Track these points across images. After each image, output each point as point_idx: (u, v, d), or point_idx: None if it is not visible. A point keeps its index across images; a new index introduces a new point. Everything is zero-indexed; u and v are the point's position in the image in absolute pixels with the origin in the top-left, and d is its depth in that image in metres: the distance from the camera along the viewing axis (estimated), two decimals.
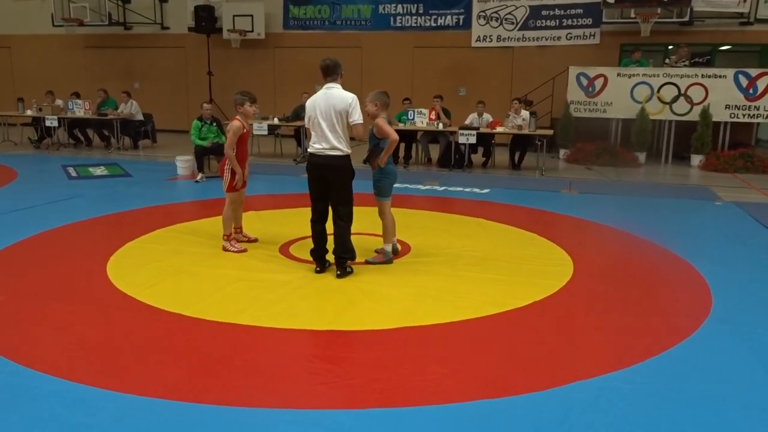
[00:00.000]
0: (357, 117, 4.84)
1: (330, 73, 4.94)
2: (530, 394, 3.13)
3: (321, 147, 4.89)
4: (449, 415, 2.93)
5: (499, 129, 11.08)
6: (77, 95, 13.57)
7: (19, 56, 18.17)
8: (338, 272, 4.99)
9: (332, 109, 4.83)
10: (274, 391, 3.12)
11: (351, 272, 5.04)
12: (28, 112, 13.42)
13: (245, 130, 5.69)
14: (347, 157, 4.92)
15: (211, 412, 2.92)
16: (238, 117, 5.70)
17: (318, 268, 5.09)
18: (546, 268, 5.25)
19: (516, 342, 3.81)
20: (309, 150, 5.00)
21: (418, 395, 3.10)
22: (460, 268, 5.25)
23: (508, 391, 3.15)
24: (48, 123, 12.79)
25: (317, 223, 5.07)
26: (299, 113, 12.43)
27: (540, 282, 4.86)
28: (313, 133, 4.96)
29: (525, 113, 11.17)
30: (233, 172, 5.65)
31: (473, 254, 5.66)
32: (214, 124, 9.71)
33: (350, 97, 4.86)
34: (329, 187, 4.95)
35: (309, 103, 4.98)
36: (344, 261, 5.02)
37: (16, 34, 17.91)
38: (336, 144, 4.85)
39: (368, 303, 4.39)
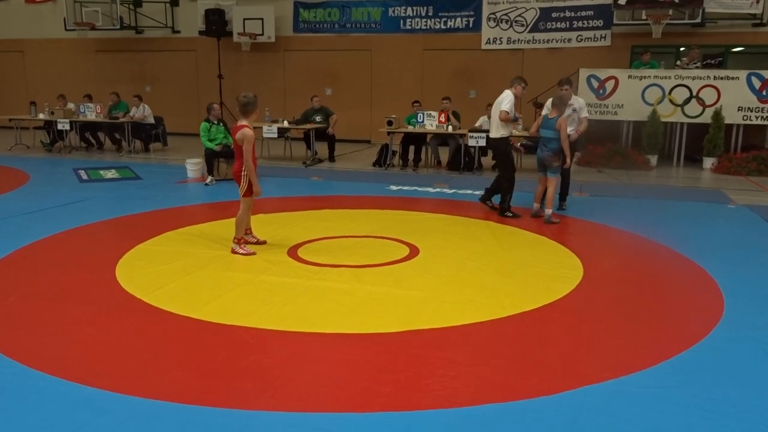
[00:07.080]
0: (503, 106, 7.10)
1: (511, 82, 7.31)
2: (540, 398, 3.10)
3: (492, 133, 7.46)
4: (457, 419, 2.90)
5: None
6: (89, 97, 13.67)
7: (32, 60, 18.33)
8: (499, 213, 7.38)
9: (497, 106, 7.24)
10: (280, 394, 3.10)
11: (510, 216, 7.23)
12: (41, 116, 13.51)
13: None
14: (505, 138, 7.38)
15: (216, 415, 2.90)
16: (246, 123, 5.54)
17: (483, 199, 7.70)
18: (555, 271, 5.22)
19: (525, 345, 3.77)
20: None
21: (426, 399, 3.07)
22: (469, 270, 5.22)
23: (517, 395, 3.12)
24: (60, 126, 12.89)
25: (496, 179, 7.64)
26: (309, 116, 12.46)
27: (549, 285, 4.83)
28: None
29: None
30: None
31: (482, 257, 5.64)
32: (221, 124, 9.75)
33: (506, 94, 7.18)
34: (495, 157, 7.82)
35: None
36: (503, 210, 7.32)
37: (29, 38, 18.08)
38: (497, 130, 7.32)
39: (375, 306, 4.37)
